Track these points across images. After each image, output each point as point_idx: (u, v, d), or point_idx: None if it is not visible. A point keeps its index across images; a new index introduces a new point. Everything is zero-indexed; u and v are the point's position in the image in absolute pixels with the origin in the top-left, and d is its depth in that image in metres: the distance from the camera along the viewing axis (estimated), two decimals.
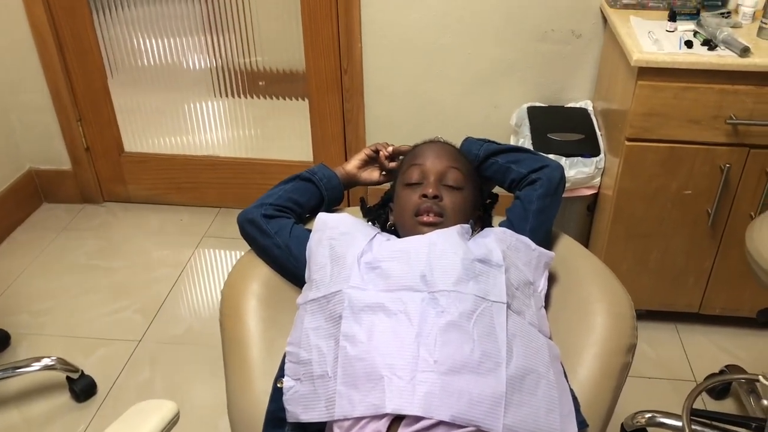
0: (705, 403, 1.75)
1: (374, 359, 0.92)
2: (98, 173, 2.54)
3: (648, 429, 1.63)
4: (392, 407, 0.87)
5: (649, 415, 1.59)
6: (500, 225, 1.18)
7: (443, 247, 1.03)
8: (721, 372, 1.75)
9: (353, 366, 0.93)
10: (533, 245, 1.11)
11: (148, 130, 2.55)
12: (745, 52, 1.55)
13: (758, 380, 1.53)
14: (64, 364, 1.76)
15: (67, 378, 1.77)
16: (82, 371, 1.77)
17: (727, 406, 1.75)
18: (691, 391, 1.60)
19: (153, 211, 2.55)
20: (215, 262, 2.32)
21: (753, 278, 1.30)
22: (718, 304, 1.90)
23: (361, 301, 0.98)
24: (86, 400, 1.76)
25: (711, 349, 1.92)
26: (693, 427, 1.51)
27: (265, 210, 1.17)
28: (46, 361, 1.76)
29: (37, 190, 2.56)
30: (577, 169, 1.85)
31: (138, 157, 2.52)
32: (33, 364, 1.76)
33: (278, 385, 1.02)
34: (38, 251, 2.33)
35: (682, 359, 1.89)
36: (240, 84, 2.43)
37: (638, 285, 1.89)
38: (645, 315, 1.96)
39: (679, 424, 1.53)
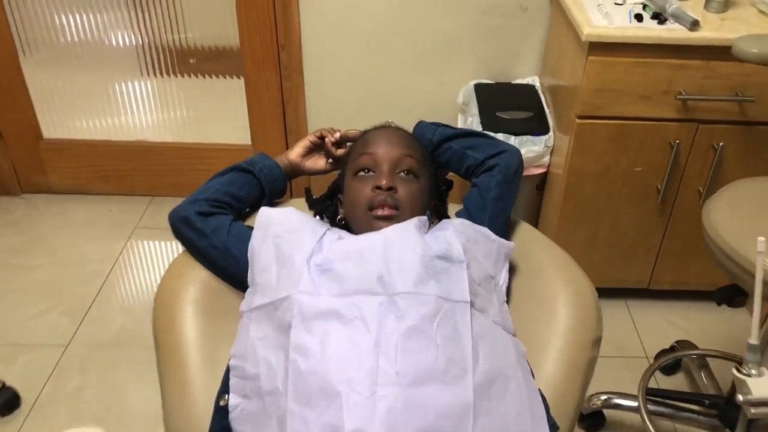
0: (657, 379, 1.76)
1: (329, 373, 0.83)
2: (14, 162, 2.34)
3: (604, 411, 1.62)
4: (351, 427, 0.79)
5: (604, 397, 1.59)
6: (457, 214, 1.12)
7: (401, 245, 0.95)
8: (672, 348, 1.76)
9: (306, 381, 0.84)
10: (493, 236, 1.05)
11: (70, 113, 2.36)
12: (694, 25, 1.52)
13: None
14: None
15: None
16: (4, 382, 1.64)
17: (677, 381, 1.77)
18: (645, 370, 1.60)
19: (78, 202, 2.37)
20: (149, 254, 2.17)
21: (707, 256, 1.28)
22: (667, 279, 1.91)
23: (312, 307, 0.89)
24: (9, 414, 1.63)
25: (661, 324, 1.93)
26: (648, 406, 1.51)
27: (200, 207, 1.06)
28: None
29: None
30: (526, 148, 1.80)
31: (59, 144, 2.33)
32: None
33: (221, 403, 0.93)
34: None
35: (633, 336, 1.89)
36: (169, 62, 2.26)
37: (589, 262, 1.85)
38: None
39: (635, 404, 1.53)
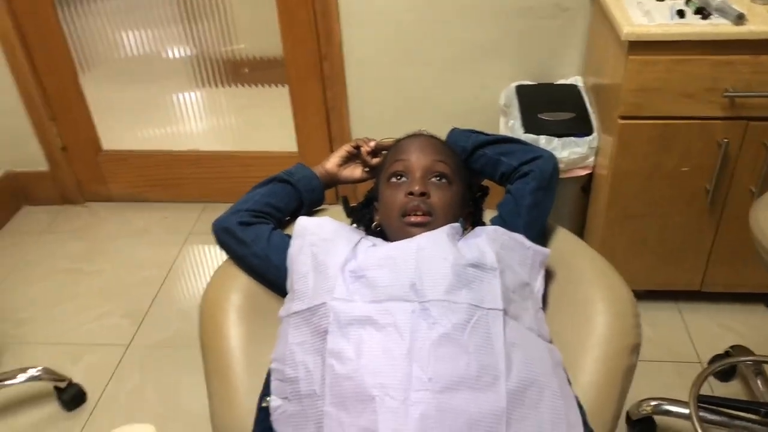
0: (711, 385, 1.71)
1: (364, 378, 0.86)
2: (77, 173, 2.47)
3: (654, 417, 1.59)
4: (385, 431, 0.82)
5: (654, 402, 1.55)
6: (491, 221, 1.12)
7: (432, 253, 0.96)
8: (727, 353, 1.70)
9: (341, 385, 0.87)
10: (528, 243, 1.05)
11: (127, 125, 2.47)
12: (740, 19, 1.47)
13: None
14: (50, 374, 1.71)
15: (55, 387, 1.72)
16: (70, 380, 1.72)
17: (733, 388, 1.71)
18: (697, 376, 1.55)
19: (136, 209, 2.48)
20: (202, 260, 2.25)
21: (758, 260, 1.24)
22: (720, 281, 1.85)
23: (347, 314, 0.92)
24: (75, 409, 1.72)
25: (714, 328, 1.87)
26: (701, 414, 1.47)
27: (241, 217, 1.10)
28: (31, 372, 1.71)
29: (15, 193, 2.48)
30: (570, 150, 1.78)
31: (117, 155, 2.44)
32: (18, 376, 1.71)
33: (263, 405, 0.97)
34: (19, 257, 2.26)
35: (685, 340, 1.84)
36: (220, 73, 2.34)
37: (637, 265, 1.84)
38: (645, 295, 1.91)
39: (687, 411, 1.49)
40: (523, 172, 1.12)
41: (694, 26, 1.49)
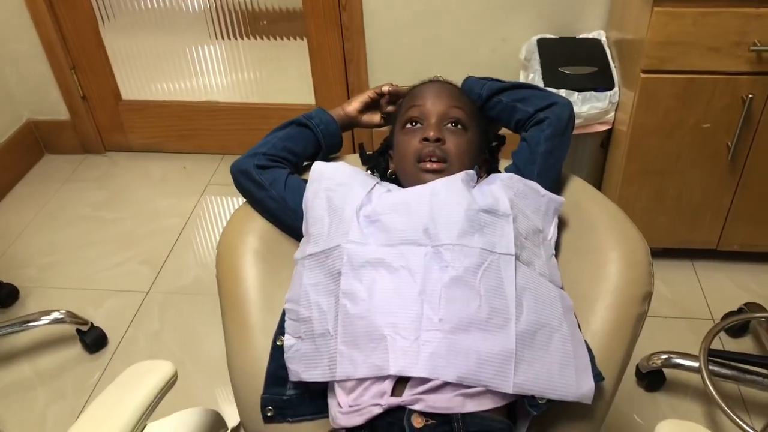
0: (723, 342, 1.72)
1: (376, 318, 0.88)
2: (97, 122, 2.49)
3: (664, 370, 1.60)
4: (396, 369, 0.84)
5: (665, 356, 1.56)
6: (506, 169, 1.12)
7: (446, 198, 0.97)
8: (740, 310, 1.71)
9: (354, 325, 0.89)
10: (542, 190, 1.05)
11: (146, 76, 2.48)
12: None
13: None
14: (73, 317, 1.76)
15: (77, 330, 1.77)
16: (92, 323, 1.78)
17: (744, 344, 1.72)
18: (708, 330, 1.56)
19: (155, 159, 2.50)
20: (220, 210, 2.28)
21: None
22: (737, 240, 1.84)
23: (361, 256, 0.93)
24: (97, 352, 1.77)
25: (729, 287, 1.87)
26: (710, 367, 1.48)
27: (258, 160, 1.11)
28: (55, 315, 1.76)
29: (37, 142, 2.52)
30: (590, 104, 1.76)
31: (136, 105, 2.45)
32: (42, 318, 1.77)
33: (278, 343, 0.99)
34: (42, 204, 2.31)
35: (699, 297, 1.85)
36: (238, 25, 2.33)
37: (655, 223, 1.83)
38: (661, 253, 1.91)
39: (696, 364, 1.50)
40: (539, 119, 1.11)
41: None
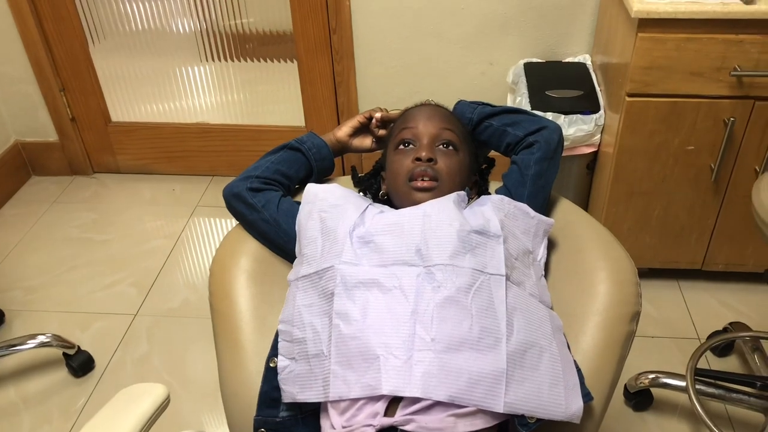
0: (708, 360, 1.73)
1: (369, 338, 0.88)
2: (86, 144, 2.49)
3: (652, 390, 1.62)
4: (389, 388, 0.85)
5: (652, 375, 1.58)
6: (497, 191, 1.14)
7: (438, 219, 0.98)
8: (725, 329, 1.73)
9: (347, 345, 0.89)
10: (532, 212, 1.07)
11: (135, 98, 2.48)
12: None
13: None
14: (59, 341, 1.74)
15: (64, 354, 1.75)
16: (79, 347, 1.76)
17: (730, 363, 1.74)
18: (695, 350, 1.58)
19: (144, 181, 2.50)
20: (209, 231, 2.28)
21: (759, 236, 1.26)
22: (721, 260, 1.87)
23: (354, 276, 0.94)
24: (84, 375, 1.75)
25: (714, 306, 1.90)
26: (697, 386, 1.50)
27: (251, 183, 1.12)
28: (41, 338, 1.74)
29: (24, 163, 2.51)
30: (576, 127, 1.79)
31: (125, 127, 2.46)
32: (28, 342, 1.75)
33: (271, 365, 0.99)
34: (29, 226, 2.30)
35: (685, 317, 1.87)
36: (228, 47, 2.35)
37: (640, 243, 1.85)
38: (647, 273, 1.94)
39: (683, 384, 1.52)
40: (529, 143, 1.13)
41: (705, 4, 1.50)
